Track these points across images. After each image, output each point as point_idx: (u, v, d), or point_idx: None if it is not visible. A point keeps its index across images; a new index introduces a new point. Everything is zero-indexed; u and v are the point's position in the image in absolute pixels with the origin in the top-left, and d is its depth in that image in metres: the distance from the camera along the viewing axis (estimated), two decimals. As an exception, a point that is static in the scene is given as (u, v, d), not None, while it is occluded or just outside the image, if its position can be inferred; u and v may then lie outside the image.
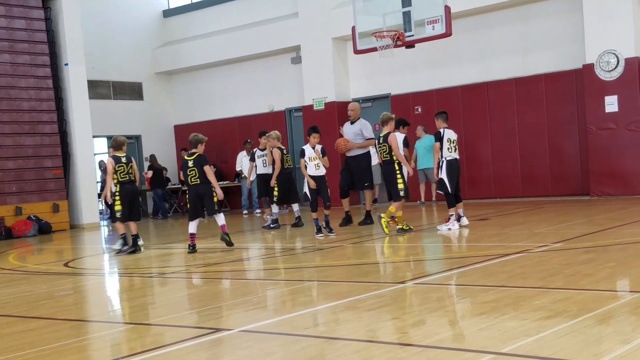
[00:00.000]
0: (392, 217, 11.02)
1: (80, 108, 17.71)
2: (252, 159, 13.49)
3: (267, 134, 12.81)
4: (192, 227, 9.72)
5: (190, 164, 9.63)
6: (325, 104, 17.65)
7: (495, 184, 15.79)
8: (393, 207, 10.12)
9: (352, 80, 17.94)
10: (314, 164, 10.32)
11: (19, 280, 8.71)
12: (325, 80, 17.70)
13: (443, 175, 10.14)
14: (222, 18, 20.17)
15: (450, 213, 10.26)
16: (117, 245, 10.37)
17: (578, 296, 5.07)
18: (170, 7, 21.60)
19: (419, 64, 16.49)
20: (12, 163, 16.63)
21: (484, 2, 15.29)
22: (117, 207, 10.09)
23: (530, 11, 15.25)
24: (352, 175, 11.47)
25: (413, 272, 7.07)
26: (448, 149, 10.15)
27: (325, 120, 17.01)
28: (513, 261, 6.92)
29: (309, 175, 10.33)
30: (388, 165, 10.21)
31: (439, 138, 10.21)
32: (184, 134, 19.59)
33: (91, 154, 18.36)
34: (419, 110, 16.52)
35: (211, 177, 9.62)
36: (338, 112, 17.26)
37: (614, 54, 13.83)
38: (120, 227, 10.27)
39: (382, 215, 10.15)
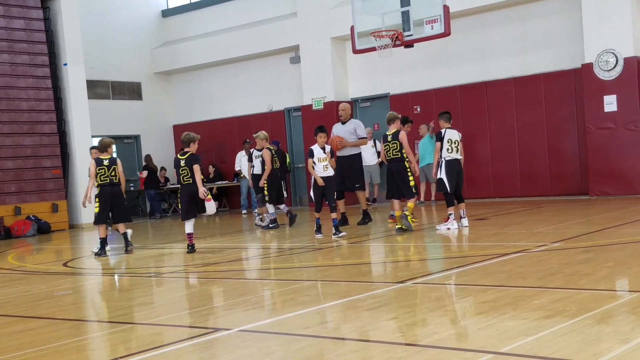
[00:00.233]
0: (392, 216, 11.03)
1: (79, 108, 17.71)
2: (250, 159, 13.47)
3: (255, 134, 12.81)
4: (188, 226, 9.71)
5: (182, 163, 9.63)
6: (324, 103, 17.65)
7: (494, 184, 15.79)
8: (411, 203, 10.20)
9: (351, 80, 17.94)
10: (322, 165, 10.13)
11: (18, 280, 8.71)
12: (324, 80, 17.70)
13: (442, 175, 10.16)
14: (221, 18, 20.17)
15: (449, 212, 10.27)
16: (94, 249, 10.45)
17: (577, 296, 5.07)
18: (169, 7, 21.59)
19: (417, 63, 16.49)
20: (11, 163, 16.62)
21: (482, 1, 15.30)
22: (95, 210, 10.16)
23: (529, 11, 15.26)
24: (343, 176, 11.44)
25: (412, 271, 7.07)
26: (448, 149, 10.16)
27: (324, 120, 16.92)
28: (512, 261, 6.92)
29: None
30: (398, 163, 10.16)
31: (439, 138, 10.23)
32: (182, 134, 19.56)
33: (90, 154, 18.33)
34: (418, 109, 16.52)
35: (197, 176, 9.55)
36: (337, 112, 17.20)
37: (613, 53, 13.84)
38: (100, 230, 10.23)
39: (406, 213, 10.08)
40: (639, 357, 3.57)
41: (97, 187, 10.12)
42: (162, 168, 20.13)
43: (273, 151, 12.53)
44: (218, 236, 12.28)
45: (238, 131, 19.67)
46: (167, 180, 20.11)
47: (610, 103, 13.97)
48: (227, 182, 19.40)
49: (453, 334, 4.38)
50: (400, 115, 10.79)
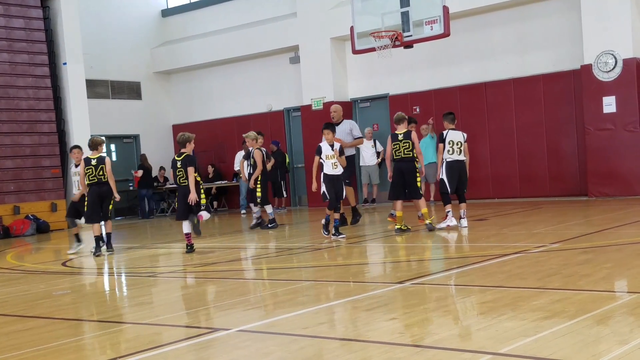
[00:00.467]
0: (392, 215, 11.01)
1: (79, 107, 17.70)
2: (247, 158, 13.37)
3: (245, 134, 12.79)
4: (186, 227, 9.71)
5: (178, 164, 9.61)
6: (324, 103, 17.65)
7: (494, 184, 15.80)
8: (425, 208, 10.22)
9: (351, 80, 17.94)
10: (331, 163, 9.82)
11: (17, 279, 8.70)
12: (324, 80, 17.70)
13: (443, 175, 10.22)
14: (220, 18, 20.16)
15: (446, 210, 10.31)
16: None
17: (576, 297, 5.08)
18: (169, 7, 21.58)
19: (417, 64, 16.49)
20: (10, 162, 16.61)
21: (482, 2, 15.30)
22: (85, 209, 10.32)
23: (528, 12, 15.26)
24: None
25: (411, 272, 7.07)
26: (449, 150, 10.20)
27: (324, 120, 16.88)
28: (511, 261, 6.92)
29: (325, 174, 9.87)
30: (409, 163, 10.08)
31: (441, 139, 10.26)
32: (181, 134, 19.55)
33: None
34: (417, 110, 16.52)
35: (190, 179, 9.49)
36: (342, 113, 17.20)
37: (612, 54, 13.84)
38: (94, 228, 10.31)
39: (427, 221, 10.06)
40: (638, 358, 3.57)
41: (87, 186, 10.24)
42: (161, 168, 20.13)
43: (264, 152, 12.54)
44: (217, 236, 12.28)
45: (237, 131, 19.63)
46: (166, 179, 20.11)
47: (609, 104, 13.97)
48: (226, 182, 19.39)
49: (452, 335, 4.38)
50: (407, 116, 10.79)
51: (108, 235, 10.46)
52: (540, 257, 7.14)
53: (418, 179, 10.16)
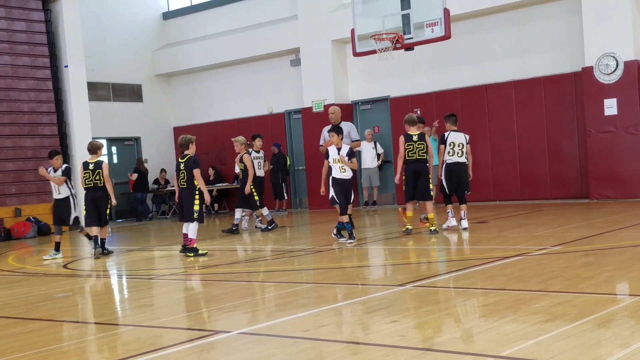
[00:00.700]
0: (424, 218, 10.88)
1: (80, 110, 17.71)
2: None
3: (234, 139, 12.80)
4: (185, 228, 9.71)
5: (181, 166, 9.60)
6: (325, 106, 17.65)
7: (495, 187, 15.79)
8: (432, 214, 10.10)
9: (351, 83, 17.95)
10: (338, 166, 9.67)
11: (18, 281, 8.71)
12: (325, 82, 17.71)
13: (442, 177, 10.26)
14: (221, 20, 20.18)
15: (447, 211, 10.32)
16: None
17: (577, 299, 5.07)
18: (170, 10, 21.61)
19: (418, 66, 16.49)
20: (11, 164, 16.63)
21: (483, 5, 15.31)
22: (83, 212, 10.41)
23: (529, 14, 15.26)
24: None
25: (412, 274, 7.06)
26: (449, 152, 10.21)
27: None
28: (512, 264, 6.92)
29: (333, 178, 9.71)
30: (423, 164, 10.03)
31: (442, 141, 10.26)
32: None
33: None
34: (418, 112, 16.51)
35: (199, 180, 9.47)
36: (340, 114, 17.22)
37: (613, 57, 13.84)
38: (91, 230, 10.40)
39: (432, 227, 9.96)
40: (639, 361, 3.57)
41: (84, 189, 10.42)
42: (162, 170, 20.14)
43: (263, 155, 12.65)
44: (218, 238, 12.28)
45: (238, 133, 19.46)
46: (167, 182, 20.13)
47: (610, 107, 13.97)
48: (227, 184, 19.40)
49: (453, 338, 4.38)
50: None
51: (101, 240, 10.48)
52: (542, 259, 7.13)
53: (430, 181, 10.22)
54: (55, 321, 5.77)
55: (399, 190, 16.80)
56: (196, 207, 9.49)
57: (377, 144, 16.74)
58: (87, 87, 18.02)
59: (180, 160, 9.69)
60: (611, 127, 14.00)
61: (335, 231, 10.02)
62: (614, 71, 13.85)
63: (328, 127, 11.55)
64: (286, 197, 17.98)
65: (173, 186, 19.92)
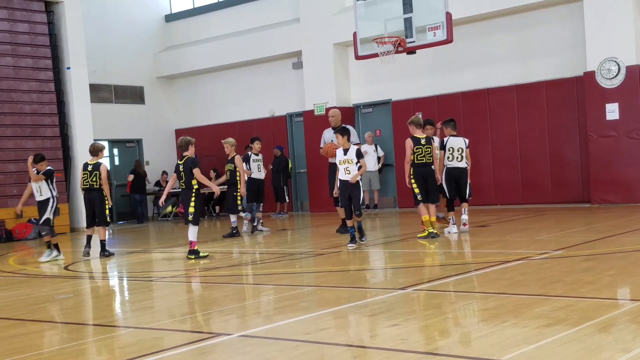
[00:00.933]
0: (440, 218, 10.83)
1: (82, 111, 17.73)
2: (246, 162, 13.28)
3: (224, 141, 12.79)
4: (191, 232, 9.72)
5: (180, 168, 9.62)
6: (326, 109, 17.65)
7: (496, 191, 15.79)
8: (435, 217, 10.07)
9: (353, 86, 17.96)
10: (343, 168, 9.52)
11: (19, 283, 8.71)
12: (326, 85, 17.72)
13: (443, 182, 10.26)
14: (223, 23, 20.21)
15: (448, 217, 10.34)
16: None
17: (578, 304, 5.07)
18: (172, 12, 21.64)
19: (420, 70, 16.50)
20: (13, 166, 16.64)
21: (485, 9, 15.32)
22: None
23: (531, 18, 15.27)
24: None
25: (413, 278, 7.06)
26: (449, 157, 10.23)
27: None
28: (513, 268, 6.91)
29: (339, 179, 9.55)
30: (430, 168, 9.98)
31: (442, 146, 10.26)
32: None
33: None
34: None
35: (200, 178, 9.50)
36: (341, 117, 17.25)
37: (615, 61, 13.84)
38: (87, 231, 10.67)
39: (434, 230, 9.89)
40: (641, 366, 3.56)
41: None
42: (164, 172, 20.16)
43: (261, 158, 12.69)
44: (219, 240, 12.28)
45: (240, 136, 19.63)
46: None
47: (612, 111, 13.97)
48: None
49: (454, 341, 4.37)
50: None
51: (102, 242, 10.54)
52: (543, 264, 7.12)
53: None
54: (56, 323, 5.77)
55: (401, 193, 16.86)
56: (191, 209, 9.47)
57: (377, 146, 16.74)
58: (89, 89, 18.05)
59: (179, 162, 9.71)
60: (613, 132, 13.99)
61: (354, 235, 9.68)
62: (616, 76, 13.85)
63: (328, 130, 11.57)
64: (287, 200, 17.98)
65: (174, 188, 20.05)
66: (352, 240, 9.54)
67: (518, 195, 15.54)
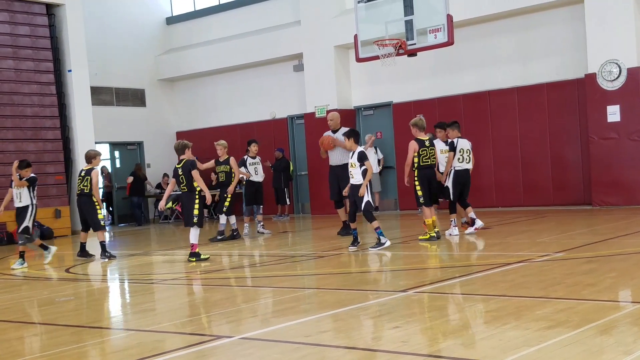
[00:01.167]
0: (464, 222, 10.84)
1: (83, 114, 17.75)
2: (243, 166, 13.22)
3: (217, 142, 12.77)
4: (193, 235, 9.72)
5: (179, 171, 9.61)
6: (327, 111, 17.66)
7: (497, 193, 15.78)
8: (434, 217, 10.07)
9: (354, 88, 17.96)
10: (349, 171, 9.53)
11: (20, 285, 8.71)
12: (327, 88, 17.74)
13: (449, 183, 10.23)
14: (224, 26, 20.23)
15: (450, 219, 10.33)
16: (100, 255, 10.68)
17: (580, 306, 5.06)
18: (174, 15, 21.67)
19: (421, 72, 16.51)
20: (14, 168, 16.64)
21: (486, 11, 15.33)
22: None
23: (532, 20, 15.28)
24: (339, 185, 11.41)
25: (414, 280, 7.05)
26: (459, 159, 10.25)
27: (327, 128, 16.97)
28: (515, 270, 6.91)
29: (350, 183, 9.52)
30: (433, 170, 10.00)
31: (452, 148, 10.24)
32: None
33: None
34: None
35: (198, 181, 9.50)
36: (340, 120, 17.26)
37: (616, 63, 13.84)
38: (81, 236, 10.88)
39: (431, 231, 9.90)
40: (642, 368, 3.56)
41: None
42: (165, 175, 20.17)
43: (258, 160, 12.78)
44: (220, 243, 12.26)
45: (241, 138, 19.67)
46: (169, 186, 20.20)
47: (613, 113, 13.97)
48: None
49: (455, 344, 4.37)
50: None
51: (101, 244, 10.63)
52: (544, 266, 7.12)
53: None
54: (57, 325, 5.77)
55: (401, 195, 16.86)
56: (196, 212, 9.48)
57: (377, 148, 16.73)
58: (90, 92, 18.07)
59: (177, 165, 9.71)
60: (614, 134, 13.99)
61: (357, 237, 9.69)
62: (617, 78, 13.85)
63: (327, 133, 11.65)
64: (288, 202, 17.98)
65: (175, 191, 20.06)
66: (355, 242, 9.57)
67: (519, 197, 15.54)
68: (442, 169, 10.46)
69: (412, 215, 15.01)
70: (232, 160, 12.42)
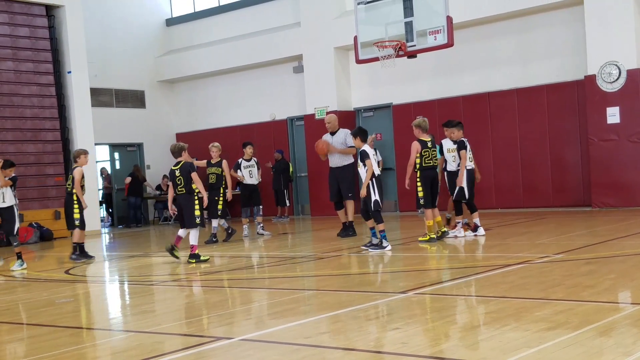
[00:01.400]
0: (466, 224, 10.78)
1: (83, 115, 17.76)
2: (238, 168, 13.17)
3: (211, 145, 12.75)
4: (182, 232, 9.73)
5: (177, 173, 9.60)
6: (327, 113, 17.66)
7: (497, 194, 15.78)
8: (435, 218, 10.04)
9: (354, 90, 17.97)
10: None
11: (20, 287, 8.70)
12: (327, 89, 17.74)
13: (464, 183, 10.14)
14: (224, 27, 20.24)
15: (457, 221, 10.33)
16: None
17: (579, 308, 5.06)
18: (174, 16, 21.67)
19: (421, 74, 16.51)
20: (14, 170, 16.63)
21: (486, 12, 15.34)
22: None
23: (532, 22, 15.28)
24: (338, 187, 11.45)
25: (414, 282, 7.05)
26: (470, 158, 10.25)
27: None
28: (514, 272, 6.91)
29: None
30: (435, 171, 10.00)
31: (463, 146, 10.17)
32: (185, 142, 19.62)
33: (93, 161, 18.37)
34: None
35: (197, 183, 9.50)
36: (339, 122, 17.25)
37: (616, 65, 13.85)
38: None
39: (432, 234, 9.88)
40: (642, 370, 3.56)
41: None
42: (164, 176, 20.17)
43: (257, 162, 12.78)
44: (219, 244, 12.26)
45: (241, 140, 19.63)
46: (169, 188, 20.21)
47: (613, 115, 13.97)
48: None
49: (455, 345, 4.37)
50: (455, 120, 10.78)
51: (73, 245, 10.74)
52: (544, 267, 7.12)
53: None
54: (56, 327, 5.77)
55: (401, 197, 16.86)
56: (197, 212, 9.49)
57: (377, 151, 16.70)
58: (90, 93, 18.07)
59: (173, 167, 9.70)
60: (614, 136, 13.99)
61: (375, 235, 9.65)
62: (617, 79, 13.86)
63: (326, 135, 11.69)
64: (288, 204, 17.98)
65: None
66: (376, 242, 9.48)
67: (519, 199, 15.54)
68: (449, 167, 10.39)
69: (412, 217, 15.01)
70: (224, 163, 12.40)
